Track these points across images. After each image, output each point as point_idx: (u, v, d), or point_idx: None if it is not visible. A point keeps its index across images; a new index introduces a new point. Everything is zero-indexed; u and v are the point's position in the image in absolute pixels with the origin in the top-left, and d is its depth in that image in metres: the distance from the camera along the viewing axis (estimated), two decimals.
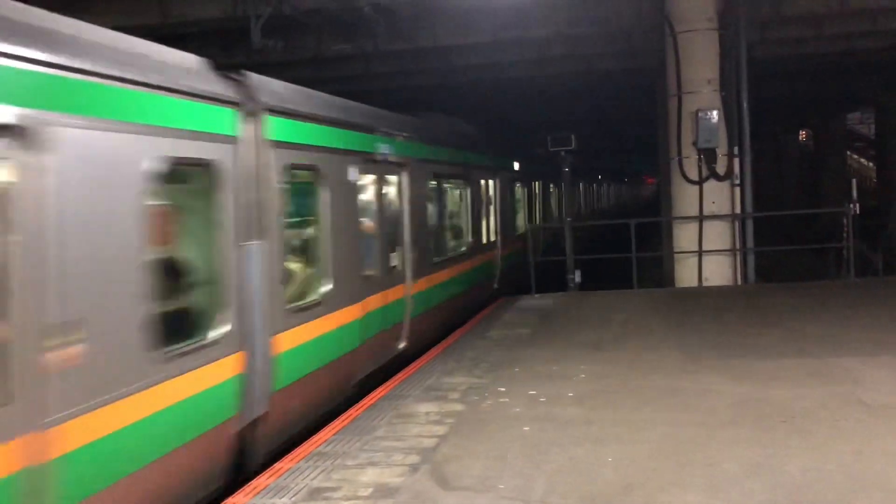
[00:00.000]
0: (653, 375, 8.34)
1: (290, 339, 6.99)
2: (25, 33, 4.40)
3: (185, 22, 15.69)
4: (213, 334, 5.94)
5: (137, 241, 5.09)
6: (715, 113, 15.08)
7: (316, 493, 5.53)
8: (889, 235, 18.29)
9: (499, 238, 16.33)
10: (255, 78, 7.05)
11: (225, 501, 5.56)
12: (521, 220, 19.21)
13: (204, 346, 5.79)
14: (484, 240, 15.32)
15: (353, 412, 7.54)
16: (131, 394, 4.89)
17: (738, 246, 15.65)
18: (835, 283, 16.23)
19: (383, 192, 9.83)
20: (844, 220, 15.82)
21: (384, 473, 5.81)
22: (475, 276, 14.27)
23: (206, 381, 5.70)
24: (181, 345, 5.58)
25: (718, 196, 15.41)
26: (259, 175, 6.62)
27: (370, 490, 5.51)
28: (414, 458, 6.09)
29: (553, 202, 24.23)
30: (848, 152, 46.04)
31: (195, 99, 5.83)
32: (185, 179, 6.07)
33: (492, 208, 16.11)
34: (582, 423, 6.81)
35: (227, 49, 16.69)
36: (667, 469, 5.67)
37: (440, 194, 12.87)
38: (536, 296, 15.19)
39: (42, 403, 4.23)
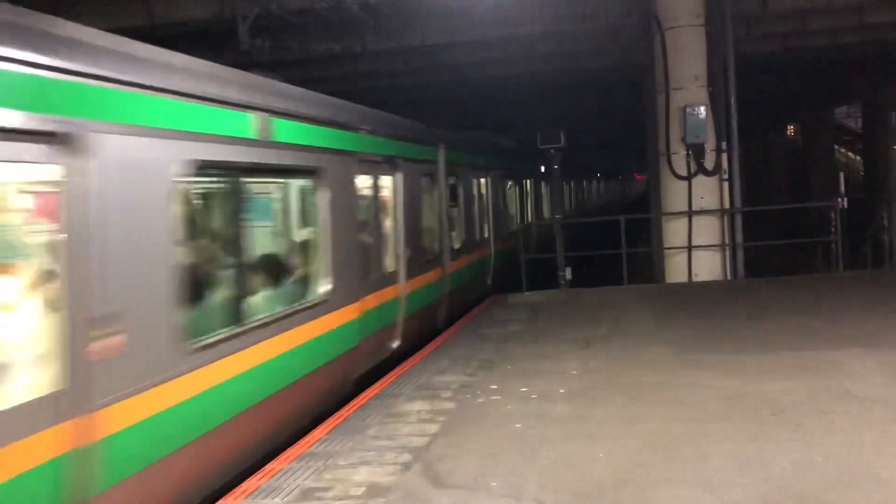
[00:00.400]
0: (643, 371, 8.38)
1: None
2: (360, 114, 9.60)
3: (172, 23, 15.66)
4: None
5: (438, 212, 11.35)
6: (703, 109, 15.10)
7: (308, 493, 5.54)
8: (876, 228, 18.33)
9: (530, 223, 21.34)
10: (438, 130, 12.93)
11: (218, 503, 5.56)
12: (545, 210, 24.99)
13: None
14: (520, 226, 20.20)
15: (344, 412, 7.55)
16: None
17: (727, 241, 15.70)
18: (823, 276, 16.30)
19: (465, 190, 14.53)
20: (832, 214, 15.88)
21: (376, 472, 5.82)
22: (516, 252, 17.80)
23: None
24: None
25: (707, 191, 15.44)
26: (445, 180, 12.56)
27: (362, 489, 5.52)
28: (406, 457, 6.10)
29: (564, 196, 28.72)
30: (836, 146, 46.18)
31: (430, 146, 11.93)
32: (426, 183, 11.60)
33: (527, 201, 21.41)
34: (573, 420, 6.83)
35: (216, 50, 16.65)
36: (658, 464, 5.70)
37: (495, 192, 17.21)
38: (527, 293, 15.22)
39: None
